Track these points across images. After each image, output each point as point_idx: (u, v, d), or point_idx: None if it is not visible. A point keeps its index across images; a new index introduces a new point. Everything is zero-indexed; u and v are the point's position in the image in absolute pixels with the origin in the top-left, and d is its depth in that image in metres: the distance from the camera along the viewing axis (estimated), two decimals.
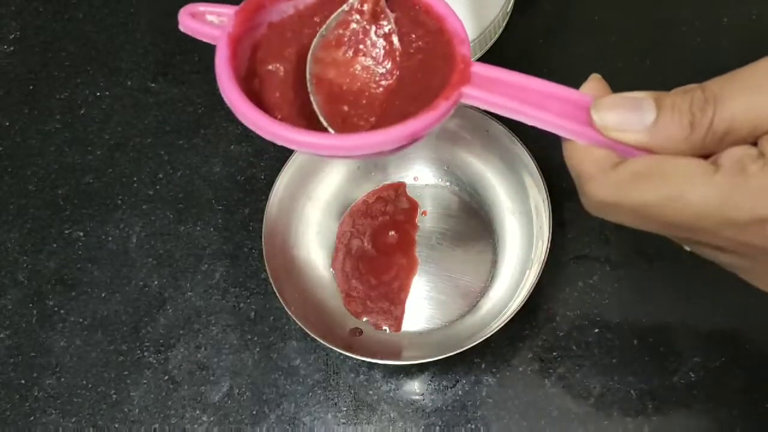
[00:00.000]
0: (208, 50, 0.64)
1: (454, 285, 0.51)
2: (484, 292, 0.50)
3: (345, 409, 0.49)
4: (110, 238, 0.56)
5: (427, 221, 0.53)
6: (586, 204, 0.31)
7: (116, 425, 0.50)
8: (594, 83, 0.32)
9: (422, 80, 0.34)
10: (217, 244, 0.55)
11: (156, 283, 0.54)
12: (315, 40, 0.35)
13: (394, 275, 0.51)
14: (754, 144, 0.28)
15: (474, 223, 0.52)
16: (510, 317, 0.45)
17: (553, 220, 0.47)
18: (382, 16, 0.35)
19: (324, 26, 0.35)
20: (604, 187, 0.30)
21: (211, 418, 0.49)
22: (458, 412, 0.48)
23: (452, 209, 0.53)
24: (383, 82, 0.35)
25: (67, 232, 0.57)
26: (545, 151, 0.49)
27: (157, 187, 0.58)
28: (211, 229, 0.55)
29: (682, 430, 0.46)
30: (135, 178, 0.58)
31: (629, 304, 0.50)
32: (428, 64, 0.35)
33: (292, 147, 0.32)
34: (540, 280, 0.45)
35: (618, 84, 0.58)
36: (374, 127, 0.34)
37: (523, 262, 0.49)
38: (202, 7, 0.36)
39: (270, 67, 0.36)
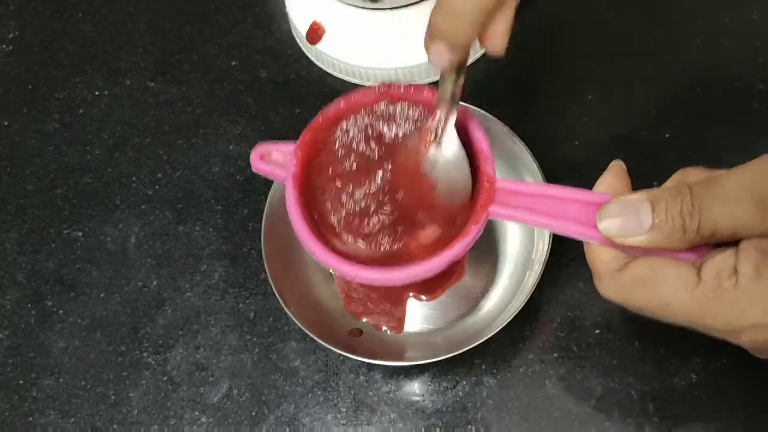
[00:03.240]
0: (208, 50, 0.64)
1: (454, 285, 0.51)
2: (484, 292, 0.50)
3: (345, 410, 0.49)
4: (109, 239, 0.56)
5: None
6: (600, 293, 0.36)
7: (115, 426, 0.50)
8: (610, 178, 0.36)
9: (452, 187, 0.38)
10: (217, 245, 0.55)
11: (155, 283, 0.54)
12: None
13: None
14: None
15: None
16: (511, 318, 0.44)
17: None
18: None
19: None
20: (610, 288, 0.35)
21: (210, 419, 0.49)
22: (458, 414, 0.48)
23: None
24: (422, 190, 0.38)
25: (65, 232, 0.56)
26: (546, 150, 0.49)
27: (156, 187, 0.57)
28: (211, 230, 0.55)
29: (683, 431, 0.46)
30: (134, 178, 0.58)
31: None
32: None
33: (355, 280, 0.37)
34: (541, 280, 0.45)
35: (619, 84, 0.58)
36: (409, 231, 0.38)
37: (523, 263, 0.49)
38: (267, 147, 0.40)
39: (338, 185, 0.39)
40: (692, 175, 0.35)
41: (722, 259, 0.33)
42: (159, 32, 0.64)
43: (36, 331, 0.53)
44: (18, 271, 0.55)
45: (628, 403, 0.47)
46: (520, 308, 0.45)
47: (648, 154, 0.53)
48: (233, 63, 0.62)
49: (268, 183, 0.51)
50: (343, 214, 0.39)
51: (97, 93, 0.62)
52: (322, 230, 0.38)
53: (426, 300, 0.50)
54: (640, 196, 0.34)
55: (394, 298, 0.51)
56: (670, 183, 0.36)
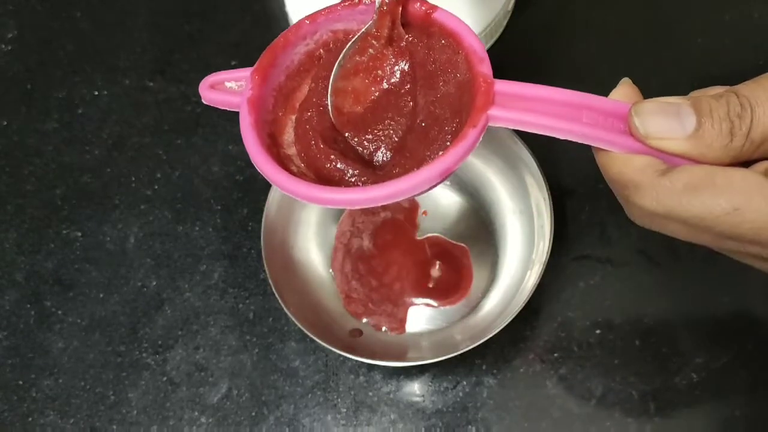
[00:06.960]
0: (207, 48, 0.64)
1: None
2: (485, 292, 0.50)
3: (345, 410, 0.49)
4: (108, 239, 0.56)
5: (428, 221, 0.53)
6: (632, 215, 0.31)
7: (114, 427, 0.50)
8: (625, 88, 0.31)
9: (445, 101, 0.33)
10: (216, 245, 0.54)
11: (154, 283, 0.54)
12: (334, 70, 0.34)
13: (395, 276, 0.51)
14: None
15: (475, 223, 0.52)
16: (511, 318, 0.44)
17: (555, 220, 0.47)
18: (400, 40, 0.34)
19: (341, 55, 0.34)
20: (654, 197, 0.29)
21: (210, 420, 0.49)
22: (459, 414, 0.48)
23: (453, 209, 0.53)
24: (404, 106, 0.35)
25: (64, 232, 0.56)
26: (547, 150, 0.49)
27: (155, 186, 0.57)
28: (210, 229, 0.55)
29: (684, 431, 0.46)
30: (133, 178, 0.58)
31: (631, 304, 0.49)
32: (449, 86, 0.34)
33: (329, 206, 0.32)
34: (541, 280, 0.45)
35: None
36: (399, 154, 0.34)
37: (524, 263, 0.49)
38: (219, 76, 0.36)
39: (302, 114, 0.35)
40: (712, 91, 0.30)
41: None
42: (158, 31, 0.64)
43: (35, 331, 0.53)
44: (17, 271, 0.55)
45: (629, 402, 0.47)
46: (520, 308, 0.44)
47: None
48: (233, 62, 0.61)
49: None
50: (316, 150, 0.34)
51: (96, 92, 0.62)
52: (287, 165, 0.34)
53: (438, 306, 0.50)
54: (678, 98, 0.29)
55: (395, 299, 0.51)
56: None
